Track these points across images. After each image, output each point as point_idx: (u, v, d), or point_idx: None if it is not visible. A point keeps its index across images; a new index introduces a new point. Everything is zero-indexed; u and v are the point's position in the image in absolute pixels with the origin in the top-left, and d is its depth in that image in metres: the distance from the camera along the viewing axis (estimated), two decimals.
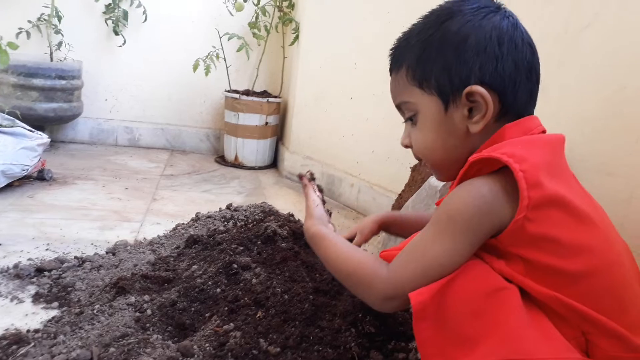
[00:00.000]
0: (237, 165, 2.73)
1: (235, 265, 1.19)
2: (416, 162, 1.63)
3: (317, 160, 2.38)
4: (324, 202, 1.06)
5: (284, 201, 2.19)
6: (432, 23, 0.75)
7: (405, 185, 1.64)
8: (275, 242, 1.30)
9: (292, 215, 1.52)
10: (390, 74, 0.80)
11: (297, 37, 2.57)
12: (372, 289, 0.72)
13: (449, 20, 0.73)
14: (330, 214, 0.99)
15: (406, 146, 0.81)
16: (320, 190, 1.02)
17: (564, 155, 0.76)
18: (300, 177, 1.03)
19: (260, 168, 2.75)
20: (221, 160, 2.82)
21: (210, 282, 1.17)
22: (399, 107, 0.80)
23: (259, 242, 1.30)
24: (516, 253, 0.66)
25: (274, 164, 2.84)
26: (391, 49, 0.80)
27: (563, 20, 1.16)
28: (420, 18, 0.79)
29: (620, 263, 0.71)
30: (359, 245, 1.01)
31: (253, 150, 2.72)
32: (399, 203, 1.63)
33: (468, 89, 0.71)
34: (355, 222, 2.00)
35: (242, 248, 1.27)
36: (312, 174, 1.05)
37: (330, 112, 2.30)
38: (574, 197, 0.69)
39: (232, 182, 2.42)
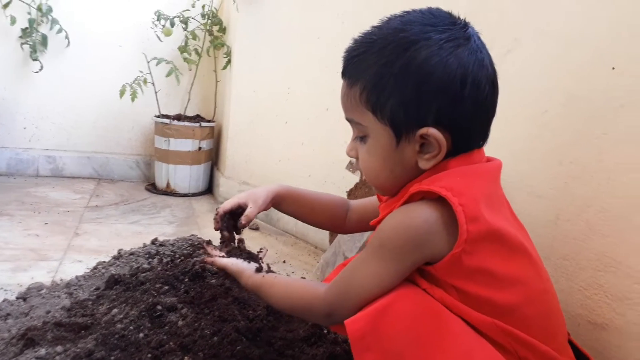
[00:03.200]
0: (169, 192, 2.61)
1: (159, 307, 1.10)
2: (352, 186, 1.60)
3: (254, 184, 2.32)
4: (241, 242, 1.03)
5: None
6: (395, 47, 0.69)
7: None
8: (204, 279, 1.22)
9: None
10: (343, 78, 0.76)
11: (229, 62, 2.51)
12: (313, 310, 0.76)
13: (414, 48, 0.68)
14: (258, 252, 0.96)
15: (351, 157, 0.79)
16: (242, 227, 0.99)
17: (499, 182, 0.76)
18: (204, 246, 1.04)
19: (194, 195, 2.65)
20: (152, 188, 2.69)
21: (132, 327, 1.07)
22: (349, 120, 0.77)
23: (186, 280, 1.21)
24: (451, 283, 0.67)
25: (209, 189, 2.74)
26: (347, 53, 0.75)
27: (488, 43, 1.17)
28: (381, 25, 0.73)
29: (548, 290, 0.74)
30: (252, 218, 0.98)
31: (186, 176, 2.62)
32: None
33: (423, 130, 0.69)
34: (294, 247, 1.95)
35: (167, 287, 1.18)
36: (208, 241, 1.05)
37: (266, 136, 2.25)
38: (509, 227, 0.71)
39: (163, 212, 2.31)
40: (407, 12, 0.73)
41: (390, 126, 0.70)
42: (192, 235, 1.46)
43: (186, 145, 2.57)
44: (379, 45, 0.71)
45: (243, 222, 0.95)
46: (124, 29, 2.69)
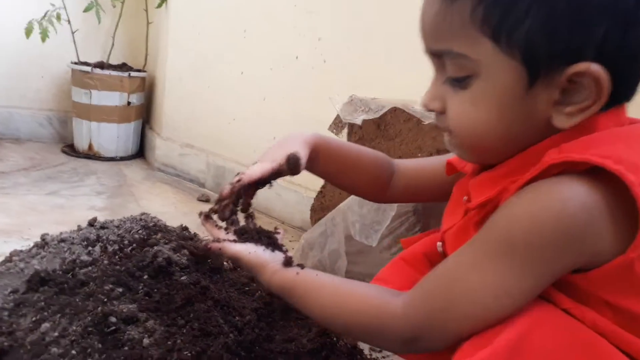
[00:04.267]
0: (92, 156, 2.19)
1: (113, 319, 0.78)
2: None
3: (200, 148, 1.97)
4: (251, 218, 0.72)
5: (162, 202, 1.75)
6: None
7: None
8: (172, 276, 0.90)
9: (187, 229, 1.12)
10: None
11: None
12: (386, 331, 0.54)
13: None
14: (275, 235, 0.66)
15: (432, 110, 0.56)
16: (246, 210, 0.68)
17: None
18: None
19: (123, 159, 2.24)
20: (70, 150, 2.24)
21: (74, 351, 0.75)
22: (436, 54, 0.53)
23: (145, 277, 0.89)
24: (605, 299, 0.49)
25: (140, 153, 2.34)
26: None
27: None
28: None
29: None
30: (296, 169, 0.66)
31: (113, 136, 2.20)
32: (321, 202, 1.32)
33: (580, 66, 0.47)
34: (261, 224, 1.65)
35: (120, 289, 0.85)
36: (207, 215, 0.69)
37: (216, 89, 1.89)
38: None
39: (88, 179, 1.90)
40: None
41: (523, 60, 0.48)
42: (144, 214, 1.12)
43: (112, 99, 2.15)
44: None
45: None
46: None
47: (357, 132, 1.27)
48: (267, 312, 0.94)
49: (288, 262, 0.61)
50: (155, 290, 0.87)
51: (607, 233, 0.46)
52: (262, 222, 1.75)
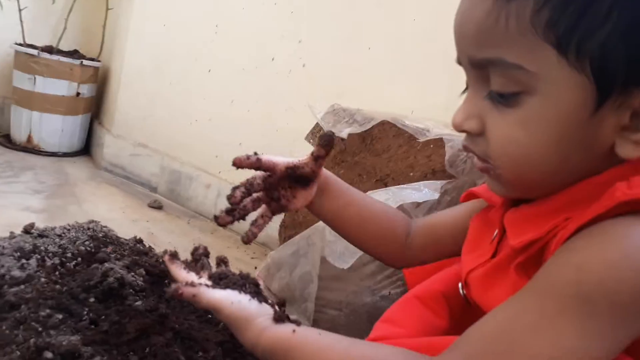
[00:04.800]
0: (30, 149, 1.97)
1: (49, 354, 0.63)
2: None
3: (155, 149, 1.80)
4: (224, 264, 0.62)
5: (108, 207, 1.57)
6: None
7: None
8: (124, 300, 0.75)
9: (141, 242, 0.97)
10: None
11: None
12: None
13: None
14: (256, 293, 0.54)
15: (465, 131, 0.48)
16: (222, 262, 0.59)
17: None
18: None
19: (67, 155, 2.03)
20: (5, 141, 2.01)
21: None
22: (480, 64, 0.44)
23: (92, 301, 0.74)
24: None
25: (86, 150, 2.13)
26: None
27: None
28: None
29: None
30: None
31: (56, 129, 1.99)
32: (293, 218, 1.20)
33: None
34: (216, 236, 1.50)
35: (60, 315, 0.70)
36: (172, 253, 0.59)
37: (178, 87, 1.74)
38: None
39: (24, 175, 1.69)
40: None
41: (594, 75, 0.40)
42: (92, 222, 0.96)
43: (60, 87, 1.94)
44: None
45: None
46: None
47: (338, 144, 1.17)
48: (234, 346, 0.81)
49: (280, 318, 0.49)
50: (104, 317, 0.72)
51: None
52: (218, 236, 1.61)
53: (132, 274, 0.80)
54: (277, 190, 0.63)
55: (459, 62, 0.48)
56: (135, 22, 1.85)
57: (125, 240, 0.94)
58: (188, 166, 1.70)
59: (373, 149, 1.09)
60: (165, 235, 1.43)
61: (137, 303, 0.76)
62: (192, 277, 0.54)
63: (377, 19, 1.23)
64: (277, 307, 0.51)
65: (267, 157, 0.61)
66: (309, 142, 1.31)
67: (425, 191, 0.87)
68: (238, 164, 0.61)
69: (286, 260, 1.13)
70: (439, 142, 0.94)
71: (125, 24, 1.91)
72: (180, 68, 1.72)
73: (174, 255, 0.58)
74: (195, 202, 1.66)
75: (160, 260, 0.93)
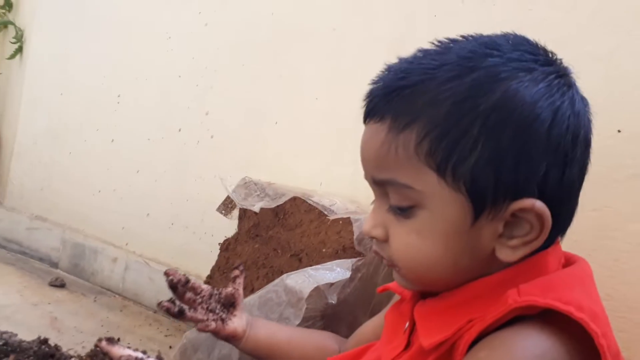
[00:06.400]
0: None
1: None
2: (226, 236, 1.21)
3: (54, 222, 1.70)
4: None
5: (4, 289, 1.45)
6: (479, 78, 0.47)
7: (213, 269, 1.20)
8: None
9: (46, 342, 0.92)
10: (371, 119, 0.52)
11: (20, 50, 1.84)
12: None
13: (512, 81, 0.47)
14: None
15: (374, 237, 0.54)
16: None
17: None
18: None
19: None
20: None
21: None
22: (380, 183, 0.52)
23: None
24: None
25: None
26: (383, 82, 0.51)
27: None
28: (442, 46, 0.51)
29: None
30: None
31: None
32: None
33: (526, 202, 0.47)
34: (125, 314, 1.44)
35: None
36: (108, 338, 0.59)
37: (79, 157, 1.67)
38: None
39: None
40: (480, 35, 0.52)
41: (468, 194, 0.48)
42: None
43: None
44: (450, 73, 0.48)
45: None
46: None
47: (251, 218, 1.19)
48: None
49: None
50: None
51: None
52: (128, 314, 1.56)
53: None
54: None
55: (366, 178, 0.55)
56: (28, 90, 1.78)
57: (28, 343, 0.88)
58: (92, 239, 1.62)
59: (286, 224, 1.12)
60: (71, 319, 1.34)
61: None
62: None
63: (281, 94, 1.29)
64: None
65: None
66: (221, 212, 1.32)
67: (337, 270, 0.91)
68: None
69: (203, 341, 1.11)
70: (347, 220, 0.99)
71: (17, 91, 1.82)
72: (80, 138, 1.67)
73: (111, 340, 0.58)
74: (101, 276, 1.59)
75: (71, 356, 0.89)
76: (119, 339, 0.59)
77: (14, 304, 1.36)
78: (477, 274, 0.50)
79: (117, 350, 0.58)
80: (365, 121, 0.53)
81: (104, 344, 0.59)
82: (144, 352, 0.60)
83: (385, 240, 0.53)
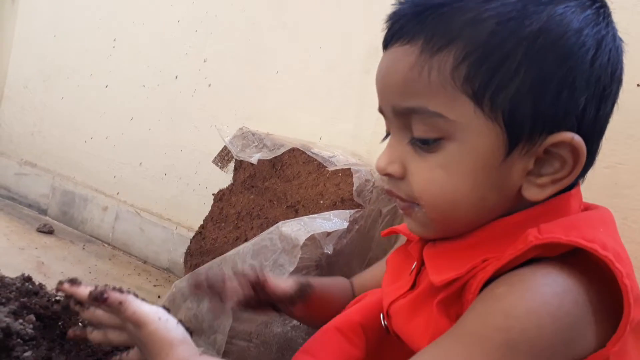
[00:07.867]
0: None
1: None
2: (220, 188, 1.18)
3: (44, 168, 1.66)
4: None
5: None
6: None
7: (206, 219, 1.17)
8: (11, 351, 0.68)
9: (30, 280, 0.89)
10: (399, 40, 0.47)
11: None
12: None
13: (555, 3, 0.44)
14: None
15: (388, 175, 0.50)
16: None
17: None
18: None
19: None
20: None
21: None
22: (402, 112, 0.48)
23: None
24: None
25: None
26: (412, 4, 0.47)
27: None
28: None
29: None
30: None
31: None
32: (200, 245, 1.15)
33: (564, 136, 0.44)
34: (114, 262, 1.41)
35: None
36: (72, 280, 0.58)
37: (71, 102, 1.62)
38: None
39: None
40: None
41: (505, 124, 0.45)
42: None
43: None
44: None
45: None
46: None
47: (247, 168, 1.15)
48: None
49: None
50: None
51: (592, 328, 0.42)
52: (117, 263, 1.54)
53: (20, 320, 0.73)
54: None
55: (381, 111, 0.51)
56: (20, 31, 1.71)
57: (11, 279, 0.85)
58: (82, 187, 1.58)
59: (283, 175, 1.08)
60: (58, 264, 1.32)
61: (27, 354, 0.68)
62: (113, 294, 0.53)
63: (283, 43, 1.23)
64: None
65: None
66: (217, 165, 1.28)
67: (335, 220, 0.88)
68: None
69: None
70: (347, 172, 0.95)
71: (9, 32, 1.75)
72: (74, 83, 1.61)
73: (74, 280, 0.56)
74: (90, 225, 1.55)
75: (56, 294, 0.86)
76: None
77: (1, 247, 1.33)
78: (498, 214, 0.48)
79: (82, 290, 0.55)
80: (387, 46, 0.49)
81: (66, 285, 0.56)
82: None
83: (401, 178, 0.49)
